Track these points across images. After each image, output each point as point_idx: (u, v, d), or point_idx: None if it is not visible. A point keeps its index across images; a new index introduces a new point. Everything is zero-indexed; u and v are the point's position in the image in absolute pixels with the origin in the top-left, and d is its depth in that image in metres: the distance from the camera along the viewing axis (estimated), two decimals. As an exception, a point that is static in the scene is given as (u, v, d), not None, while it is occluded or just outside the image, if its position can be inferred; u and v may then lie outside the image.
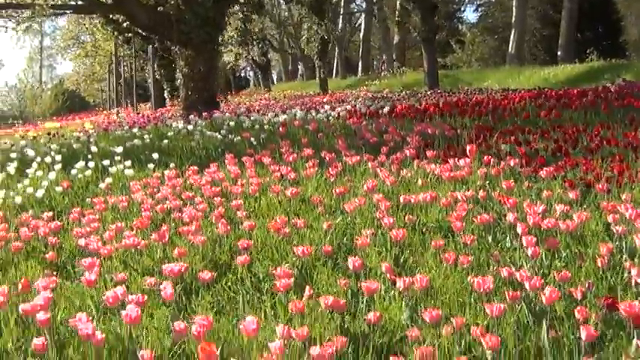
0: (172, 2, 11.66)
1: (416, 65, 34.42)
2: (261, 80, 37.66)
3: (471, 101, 9.85)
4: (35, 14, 11.38)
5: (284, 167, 5.94)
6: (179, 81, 12.15)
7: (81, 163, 6.80)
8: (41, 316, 2.92)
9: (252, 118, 9.45)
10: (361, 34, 36.31)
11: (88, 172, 6.56)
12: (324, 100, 15.28)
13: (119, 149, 7.17)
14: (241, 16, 27.42)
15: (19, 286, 3.47)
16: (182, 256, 3.92)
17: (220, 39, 12.11)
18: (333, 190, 5.07)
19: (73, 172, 6.67)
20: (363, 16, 37.43)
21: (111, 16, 20.14)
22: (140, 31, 19.45)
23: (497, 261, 3.61)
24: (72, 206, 5.67)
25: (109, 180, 6.22)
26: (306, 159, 6.30)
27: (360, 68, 36.73)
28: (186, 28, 11.44)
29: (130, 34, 20.68)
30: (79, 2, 12.87)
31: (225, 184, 5.66)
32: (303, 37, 32.70)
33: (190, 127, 8.84)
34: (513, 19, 27.43)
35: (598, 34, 32.46)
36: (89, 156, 7.36)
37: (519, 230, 3.70)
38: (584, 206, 4.32)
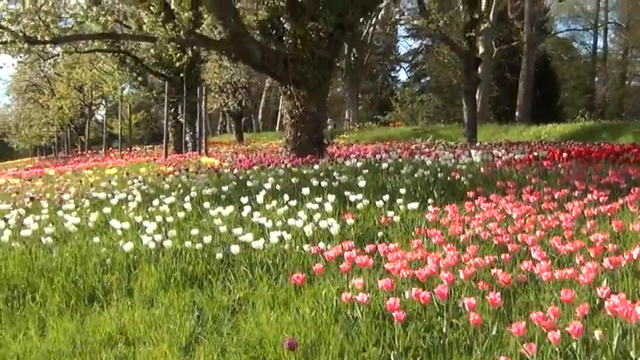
0: (290, 42, 11.37)
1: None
2: (235, 129, 37.76)
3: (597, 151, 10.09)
4: (158, 46, 10.79)
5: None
6: (286, 121, 11.80)
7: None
8: None
9: (412, 160, 9.31)
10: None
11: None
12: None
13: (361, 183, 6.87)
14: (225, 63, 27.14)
15: None
16: None
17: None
18: None
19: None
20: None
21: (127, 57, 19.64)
22: (164, 72, 18.95)
23: None
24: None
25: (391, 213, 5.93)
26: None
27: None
28: (304, 68, 11.18)
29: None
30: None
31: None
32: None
33: (385, 165, 8.53)
34: (479, 80, 28.72)
35: (536, 97, 34.65)
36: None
37: None
38: None
